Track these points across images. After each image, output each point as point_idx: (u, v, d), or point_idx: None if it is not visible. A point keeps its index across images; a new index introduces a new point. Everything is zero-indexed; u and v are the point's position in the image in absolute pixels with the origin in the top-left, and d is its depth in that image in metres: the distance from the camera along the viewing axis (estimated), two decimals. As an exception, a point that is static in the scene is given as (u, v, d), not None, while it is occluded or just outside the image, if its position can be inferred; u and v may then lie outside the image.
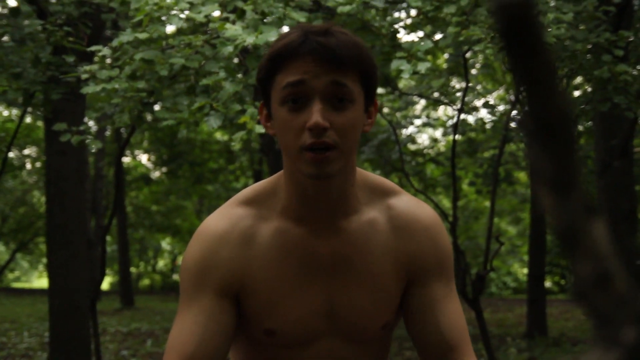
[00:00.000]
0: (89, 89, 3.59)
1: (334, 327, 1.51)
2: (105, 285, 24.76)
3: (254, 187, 1.54)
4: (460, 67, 11.18)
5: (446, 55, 10.73)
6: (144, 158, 20.27)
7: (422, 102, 14.95)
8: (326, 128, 1.35)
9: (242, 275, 1.47)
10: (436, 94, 9.91)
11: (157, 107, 4.27)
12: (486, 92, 12.20)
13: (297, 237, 1.48)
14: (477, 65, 12.48)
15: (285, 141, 1.40)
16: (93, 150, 14.46)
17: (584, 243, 0.48)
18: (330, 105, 1.37)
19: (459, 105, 5.14)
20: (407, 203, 1.54)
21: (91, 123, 11.66)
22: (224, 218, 1.50)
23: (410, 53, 3.78)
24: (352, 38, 1.40)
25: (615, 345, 0.48)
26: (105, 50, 3.78)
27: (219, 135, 18.11)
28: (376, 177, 1.56)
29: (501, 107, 9.59)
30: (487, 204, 20.91)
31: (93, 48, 3.82)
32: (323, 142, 1.35)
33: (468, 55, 5.78)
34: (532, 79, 0.47)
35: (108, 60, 3.94)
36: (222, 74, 3.70)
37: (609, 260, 0.48)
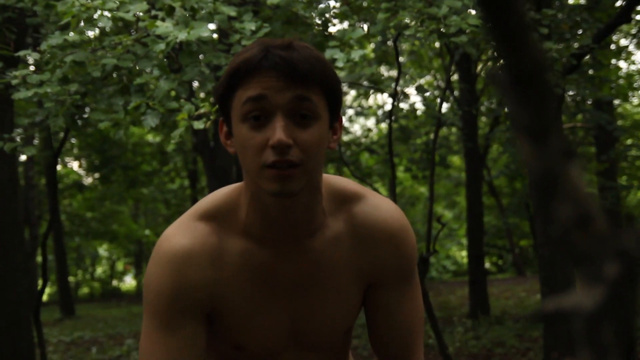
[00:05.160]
0: (21, 95, 3.52)
1: (298, 340, 1.52)
2: (44, 296, 24.29)
3: (214, 200, 1.48)
4: (387, 55, 11.28)
5: (372, 45, 10.81)
6: (75, 165, 19.93)
7: (353, 92, 15.04)
8: (290, 145, 1.30)
9: (212, 296, 1.44)
10: (366, 83, 9.98)
11: (92, 110, 4.20)
12: (416, 78, 12.33)
13: (260, 258, 1.44)
14: (404, 54, 12.61)
15: (246, 160, 1.34)
16: (23, 159, 14.16)
17: (562, 186, 0.50)
18: (294, 122, 1.32)
19: (392, 92, 5.19)
20: (371, 209, 1.50)
21: (18, 130, 11.40)
22: (187, 234, 1.44)
23: (343, 41, 3.81)
24: (315, 53, 1.36)
25: (599, 283, 0.50)
26: (34, 55, 3.71)
27: (150, 137, 17.92)
28: (339, 182, 1.52)
29: (429, 93, 9.71)
30: (423, 189, 21.15)
31: (21, 53, 3.74)
32: (286, 160, 1.30)
33: (397, 41, 5.84)
34: (506, 31, 0.48)
35: (32, 67, 3.87)
36: (155, 72, 3.67)
37: (587, 201, 0.50)
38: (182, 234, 1.44)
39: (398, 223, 1.51)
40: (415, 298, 1.54)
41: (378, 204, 1.51)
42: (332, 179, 1.51)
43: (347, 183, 1.53)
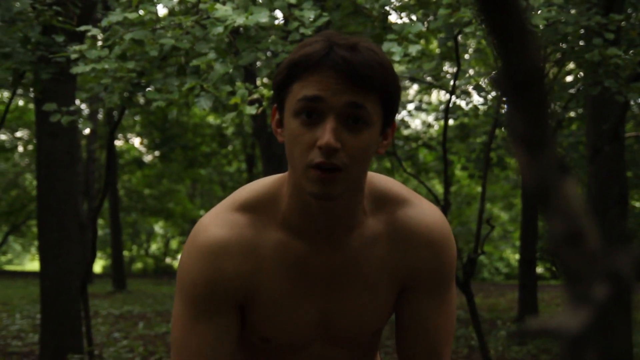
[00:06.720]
0: (79, 69, 3.58)
1: (326, 334, 1.51)
2: (98, 268, 24.77)
3: (254, 191, 1.47)
4: (452, 52, 11.16)
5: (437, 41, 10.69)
6: (136, 141, 20.24)
7: (415, 86, 14.94)
8: (337, 149, 1.29)
9: (246, 287, 1.44)
10: (428, 78, 9.89)
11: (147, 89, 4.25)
12: (478, 77, 12.18)
13: (296, 250, 1.44)
14: (470, 50, 12.47)
15: (293, 155, 1.33)
16: (86, 132, 14.42)
17: (555, 200, 0.48)
18: (345, 126, 1.31)
19: (450, 89, 5.14)
20: (414, 213, 1.47)
21: (83, 106, 11.62)
22: (224, 226, 1.44)
23: (401, 35, 3.77)
24: (379, 57, 1.33)
25: (586, 303, 0.48)
26: (95, 30, 3.76)
27: (211, 119, 18.09)
28: (386, 184, 1.49)
29: (493, 93, 9.58)
30: (480, 189, 20.94)
31: (82, 28, 3.80)
32: (331, 164, 1.29)
33: (460, 38, 5.77)
34: (505, 35, 0.46)
35: (99, 43, 3.94)
36: (212, 55, 3.68)
37: (580, 217, 0.48)
38: (219, 224, 1.44)
39: (440, 230, 1.48)
40: (448, 313, 1.51)
41: (422, 209, 1.49)
42: (377, 179, 1.49)
43: (392, 185, 1.50)
